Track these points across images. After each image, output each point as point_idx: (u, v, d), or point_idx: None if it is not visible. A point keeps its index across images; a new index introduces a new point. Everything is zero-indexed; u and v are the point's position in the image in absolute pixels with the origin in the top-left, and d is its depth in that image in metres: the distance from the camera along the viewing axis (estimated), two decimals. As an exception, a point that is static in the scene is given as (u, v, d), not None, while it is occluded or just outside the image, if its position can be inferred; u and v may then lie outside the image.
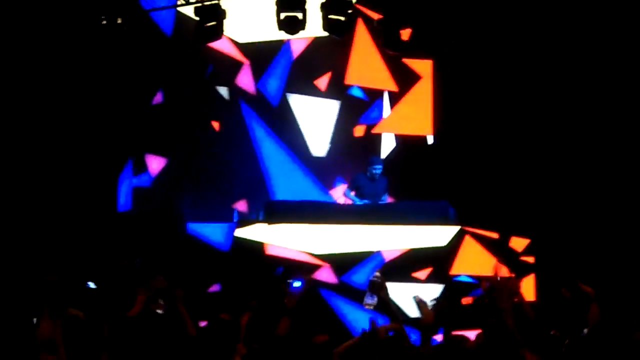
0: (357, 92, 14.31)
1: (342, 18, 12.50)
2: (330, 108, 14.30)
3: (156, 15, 13.34)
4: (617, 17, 13.09)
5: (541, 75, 13.53)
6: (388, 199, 13.39)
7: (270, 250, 13.08)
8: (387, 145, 14.36)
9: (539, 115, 13.57)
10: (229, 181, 13.91)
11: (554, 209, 13.39)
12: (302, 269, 12.67)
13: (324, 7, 12.38)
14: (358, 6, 13.67)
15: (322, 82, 14.19)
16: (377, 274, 7.71)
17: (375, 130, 14.26)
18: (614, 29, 13.03)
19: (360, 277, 13.11)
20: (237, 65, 14.03)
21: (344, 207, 13.17)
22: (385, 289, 7.46)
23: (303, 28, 12.46)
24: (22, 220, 12.43)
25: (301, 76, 14.17)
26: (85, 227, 12.71)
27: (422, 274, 13.06)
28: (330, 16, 12.65)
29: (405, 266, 13.01)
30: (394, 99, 14.24)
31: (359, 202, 13.15)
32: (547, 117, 13.56)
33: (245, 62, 14.04)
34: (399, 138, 14.33)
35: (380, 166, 13.39)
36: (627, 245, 12.93)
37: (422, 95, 14.13)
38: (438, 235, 12.92)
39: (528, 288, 12.84)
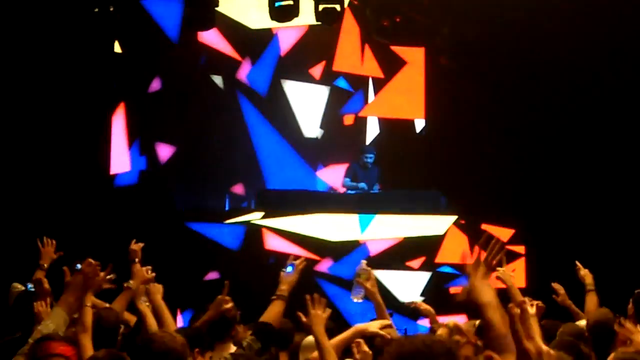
0: (342, 84, 14.41)
1: (335, 7, 12.65)
2: (321, 94, 14.43)
3: (160, 15, 13.25)
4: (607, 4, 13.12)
5: (532, 68, 13.55)
6: (378, 188, 13.49)
7: (268, 245, 13.03)
8: (372, 131, 14.49)
9: (533, 110, 13.57)
10: (224, 166, 13.99)
11: (545, 197, 13.43)
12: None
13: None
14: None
15: (317, 70, 14.29)
16: (363, 265, 7.22)
17: (361, 114, 14.38)
18: (605, 16, 13.06)
19: (344, 269, 12.88)
20: (231, 58, 14.11)
21: (337, 196, 13.25)
22: (372, 279, 7.03)
23: (296, 15, 12.60)
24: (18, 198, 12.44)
25: (295, 63, 14.23)
26: (80, 200, 12.68)
27: (416, 262, 13.12)
28: (320, 5, 12.79)
29: (398, 255, 13.04)
30: (379, 85, 14.33)
31: (353, 185, 13.28)
32: (541, 111, 13.57)
33: (240, 58, 14.12)
34: (383, 124, 14.44)
35: (372, 155, 13.49)
36: (618, 235, 12.97)
37: (409, 81, 14.17)
38: (434, 223, 13.01)
39: (518, 276, 12.87)
